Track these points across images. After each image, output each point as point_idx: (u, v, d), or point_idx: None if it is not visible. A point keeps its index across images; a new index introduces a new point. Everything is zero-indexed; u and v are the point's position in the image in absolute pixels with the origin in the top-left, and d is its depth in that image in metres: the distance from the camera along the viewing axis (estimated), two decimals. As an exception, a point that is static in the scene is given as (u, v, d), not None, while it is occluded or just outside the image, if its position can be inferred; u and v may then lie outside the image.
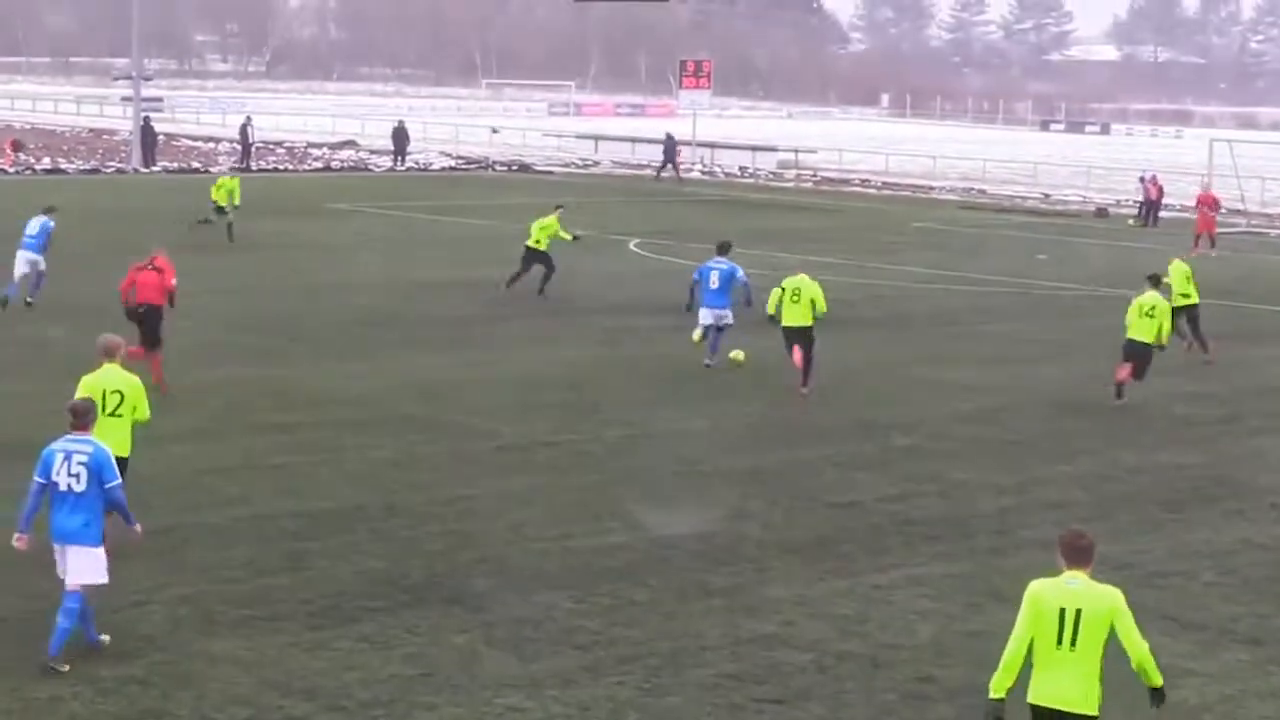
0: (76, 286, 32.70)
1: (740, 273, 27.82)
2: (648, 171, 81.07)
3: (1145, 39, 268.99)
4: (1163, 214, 61.63)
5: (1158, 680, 10.45)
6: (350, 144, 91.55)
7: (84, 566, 13.26)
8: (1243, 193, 63.81)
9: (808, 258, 29.44)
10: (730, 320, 27.42)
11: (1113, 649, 10.30)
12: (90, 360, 16.32)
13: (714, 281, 27.47)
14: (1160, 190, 61.84)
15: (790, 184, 78.18)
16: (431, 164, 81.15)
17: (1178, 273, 30.12)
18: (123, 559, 14.44)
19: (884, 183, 79.12)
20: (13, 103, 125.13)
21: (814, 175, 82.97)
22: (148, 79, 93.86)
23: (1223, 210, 54.14)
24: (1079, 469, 21.37)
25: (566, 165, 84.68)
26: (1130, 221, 60.63)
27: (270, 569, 15.94)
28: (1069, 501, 19.44)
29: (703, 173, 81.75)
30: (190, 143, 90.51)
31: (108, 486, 13.24)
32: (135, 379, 16.08)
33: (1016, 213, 65.18)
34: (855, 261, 43.63)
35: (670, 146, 77.56)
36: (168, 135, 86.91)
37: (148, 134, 72.36)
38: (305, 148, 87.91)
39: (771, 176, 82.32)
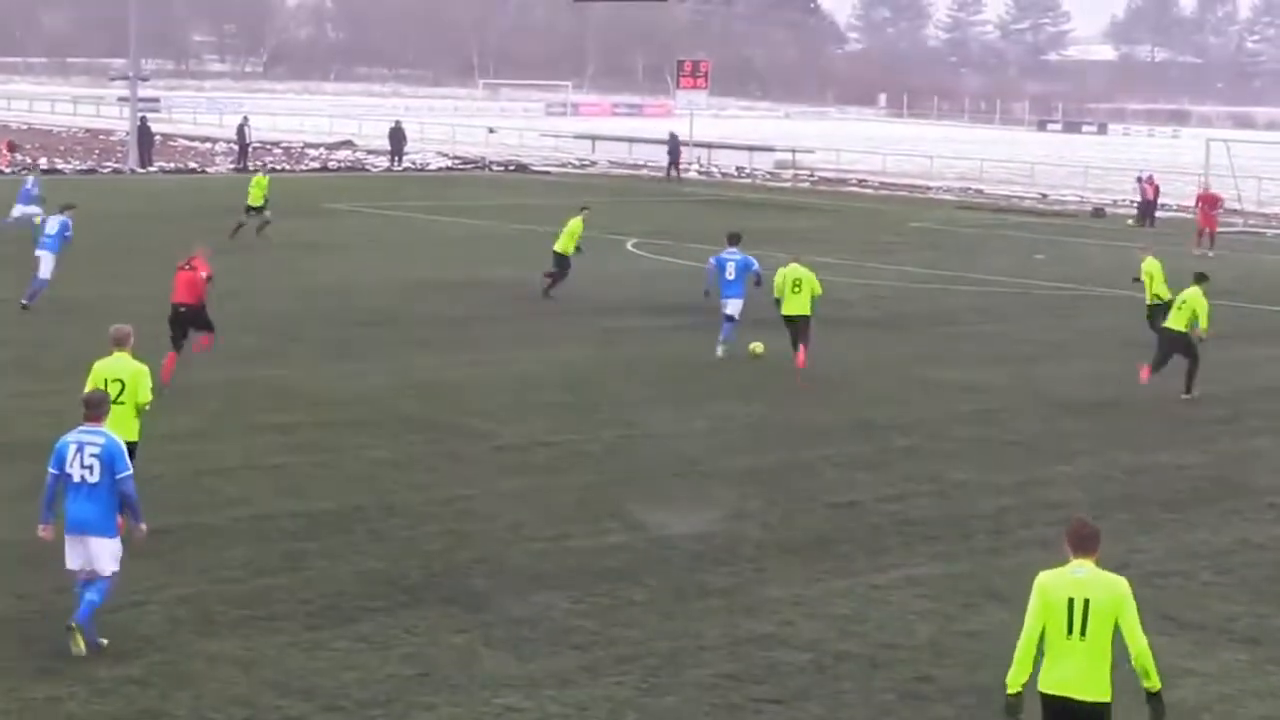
0: (75, 286, 32.67)
1: (755, 264, 29.15)
2: (645, 171, 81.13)
3: (1142, 39, 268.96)
4: (1159, 214, 61.66)
5: (1156, 682, 10.42)
6: (347, 144, 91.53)
7: (103, 555, 13.43)
8: (1239, 192, 63.83)
9: (804, 257, 29.36)
10: (738, 312, 28.47)
11: (1118, 644, 10.31)
12: (86, 359, 16.33)
13: (730, 272, 28.71)
14: (1157, 190, 61.88)
15: (788, 184, 78.20)
16: (428, 164, 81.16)
17: (1151, 270, 30.55)
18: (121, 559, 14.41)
19: (881, 183, 79.16)
20: (9, 103, 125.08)
21: (811, 175, 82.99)
22: (144, 79, 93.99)
23: (1222, 209, 54.05)
24: (1077, 469, 21.38)
25: (563, 165, 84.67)
26: (1129, 222, 60.65)
27: (269, 569, 15.93)
28: (1067, 502, 19.43)
29: (700, 173, 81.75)
30: (187, 143, 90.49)
31: (119, 477, 13.37)
32: (140, 366, 16.33)
33: (1014, 213, 65.21)
34: (853, 261, 43.63)
35: (674, 146, 77.62)
36: (164, 135, 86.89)
37: (144, 134, 72.31)
38: (302, 148, 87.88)
39: (769, 176, 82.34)
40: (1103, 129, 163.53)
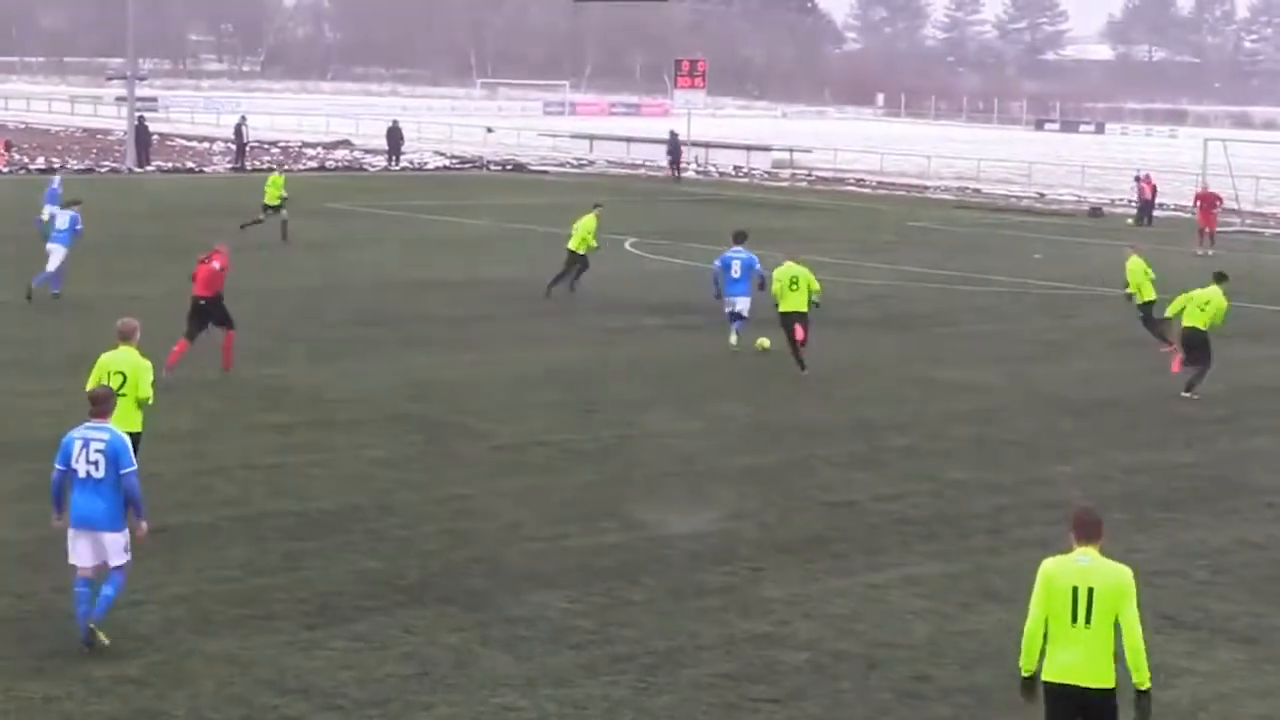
0: (73, 284, 32.66)
1: (758, 264, 29.35)
2: (643, 171, 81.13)
3: (1140, 38, 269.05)
4: (1156, 213, 61.69)
5: (1145, 680, 10.43)
6: (345, 144, 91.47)
7: (114, 547, 13.53)
8: (1237, 192, 63.82)
9: (803, 256, 29.37)
10: (746, 309, 28.92)
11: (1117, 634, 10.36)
12: (84, 357, 16.34)
13: (735, 270, 29.11)
14: (1154, 189, 61.90)
15: (785, 183, 78.21)
16: (426, 164, 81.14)
17: (1135, 269, 31.01)
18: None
19: (879, 182, 79.16)
20: (6, 102, 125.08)
21: (809, 175, 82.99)
22: (142, 79, 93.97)
23: (1220, 207, 54.03)
24: (1075, 468, 21.38)
25: (561, 165, 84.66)
26: (1129, 221, 60.66)
27: (266, 569, 15.93)
28: (1065, 501, 19.37)
29: (698, 172, 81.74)
30: (185, 142, 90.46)
31: (123, 473, 13.45)
32: (142, 361, 16.47)
33: (1011, 212, 65.23)
34: (851, 261, 43.63)
35: (675, 146, 77.63)
36: (162, 135, 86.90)
37: (142, 134, 72.28)
38: (300, 147, 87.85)
39: (766, 176, 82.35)
40: (1100, 128, 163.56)
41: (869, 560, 16.97)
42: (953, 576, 16.47)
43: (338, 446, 21.05)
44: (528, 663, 13.69)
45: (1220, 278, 26.82)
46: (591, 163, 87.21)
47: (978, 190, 76.15)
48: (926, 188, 76.73)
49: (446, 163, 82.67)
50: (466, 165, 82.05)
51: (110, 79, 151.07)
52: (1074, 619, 10.34)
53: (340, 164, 79.42)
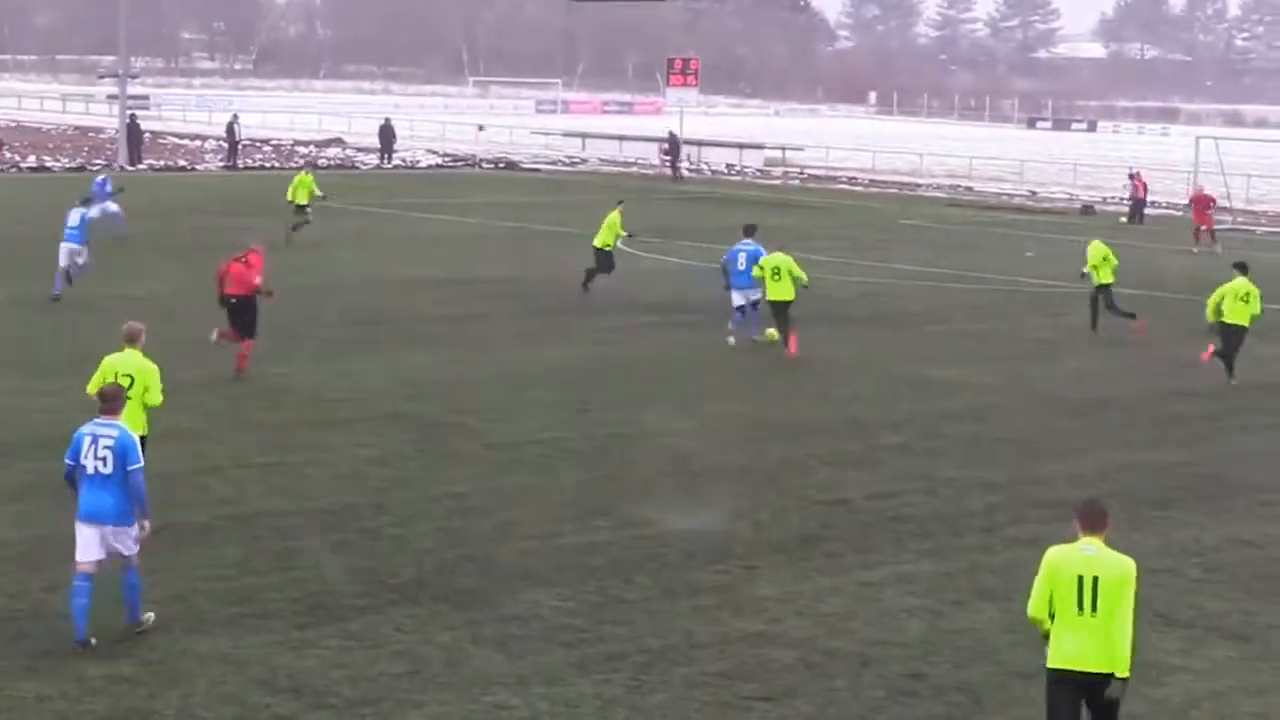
0: (67, 283, 32.63)
1: (764, 254, 29.52)
2: (635, 169, 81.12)
3: (1132, 36, 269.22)
4: (1148, 211, 61.75)
5: (1125, 667, 10.60)
6: (337, 141, 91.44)
7: (124, 540, 13.70)
8: (1229, 190, 63.91)
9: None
10: (758, 297, 29.28)
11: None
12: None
13: (742, 263, 29.41)
14: (1145, 187, 61.95)
15: (778, 181, 78.23)
16: (418, 161, 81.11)
17: (1096, 253, 31.89)
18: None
19: (871, 180, 79.21)
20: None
21: (801, 173, 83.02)
22: (134, 77, 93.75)
23: (1214, 208, 54.09)
24: (1068, 467, 21.38)
25: (553, 163, 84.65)
26: (1122, 219, 60.71)
27: (259, 568, 15.92)
28: (1057, 499, 19.43)
29: (690, 170, 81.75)
30: (177, 140, 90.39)
31: (130, 470, 13.58)
32: (150, 364, 16.53)
33: (1003, 210, 65.28)
34: (843, 259, 43.65)
35: (675, 145, 77.65)
36: (154, 133, 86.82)
37: (134, 132, 72.23)
38: (292, 145, 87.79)
39: (759, 174, 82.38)
40: (1092, 126, 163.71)
41: (862, 558, 16.98)
42: (946, 574, 16.48)
43: (333, 445, 21.04)
44: (520, 661, 13.69)
45: (1242, 268, 27.50)
46: (584, 161, 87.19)
47: (970, 188, 76.20)
48: (919, 186, 76.78)
49: (439, 161, 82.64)
50: (459, 163, 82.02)
51: (102, 77, 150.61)
52: (1079, 608, 10.54)
53: (332, 162, 79.35)
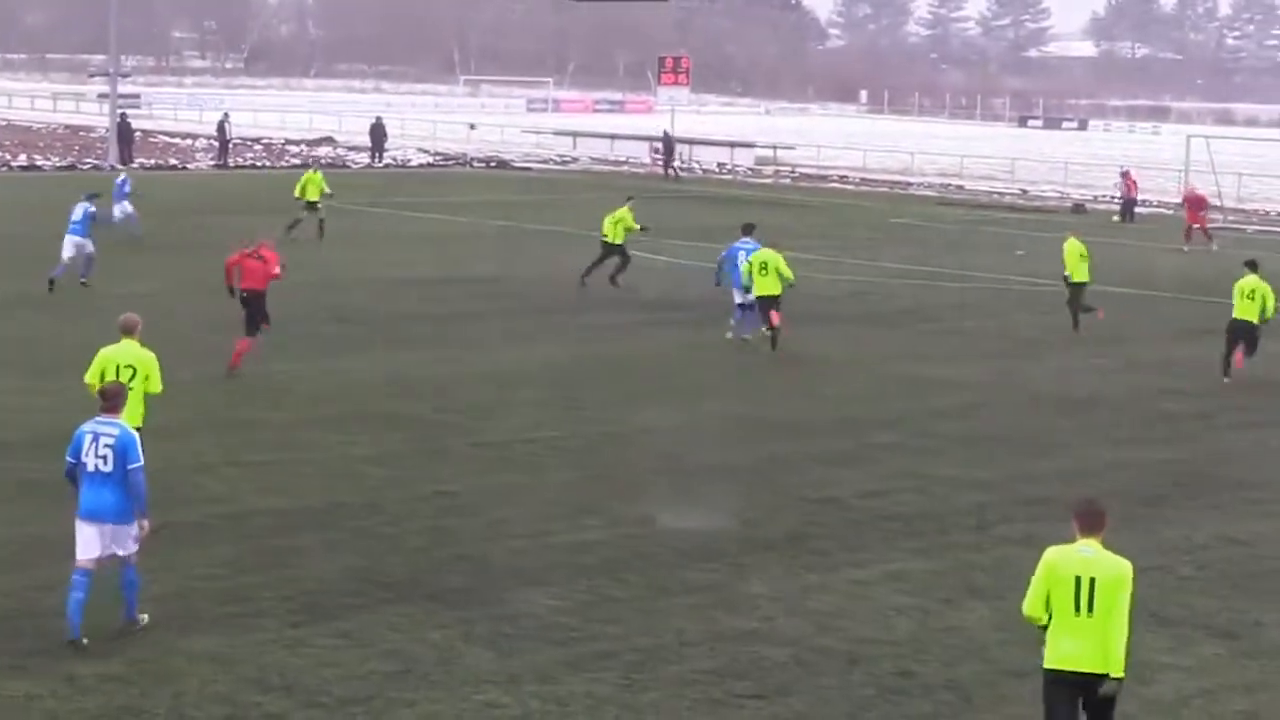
0: (60, 283, 32.60)
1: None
2: (626, 168, 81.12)
3: (1123, 35, 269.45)
4: (1139, 209, 61.82)
5: (1120, 668, 10.65)
6: (328, 140, 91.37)
7: (124, 538, 13.74)
8: (1219, 189, 63.99)
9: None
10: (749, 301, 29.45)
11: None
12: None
13: (741, 261, 29.43)
14: (1134, 185, 62.01)
15: (769, 180, 78.23)
16: (409, 160, 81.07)
17: (1072, 251, 32.22)
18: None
19: (862, 179, 79.22)
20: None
21: (792, 171, 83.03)
22: (125, 75, 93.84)
23: (1207, 209, 54.09)
24: (1057, 464, 21.42)
25: (544, 162, 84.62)
26: (1114, 218, 60.77)
27: (250, 566, 15.92)
28: (1047, 497, 19.47)
29: (681, 169, 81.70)
30: (167, 139, 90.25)
31: (130, 468, 13.64)
32: (148, 354, 16.81)
33: (994, 208, 65.31)
34: (834, 257, 43.68)
35: (669, 145, 77.66)
36: (145, 132, 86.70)
37: (124, 130, 72.07)
38: (283, 144, 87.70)
39: (750, 173, 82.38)
40: (1083, 125, 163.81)
41: (852, 556, 17.00)
42: (936, 573, 16.50)
43: (322, 444, 21.04)
44: (511, 660, 13.70)
45: (1252, 266, 27.89)
46: (575, 160, 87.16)
47: (960, 187, 76.24)
48: (909, 184, 76.82)
49: (430, 160, 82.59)
50: (450, 162, 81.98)
51: (93, 76, 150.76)
52: (1076, 609, 10.59)
53: (323, 161, 79.23)
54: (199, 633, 14.03)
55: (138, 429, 15.13)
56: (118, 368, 16.53)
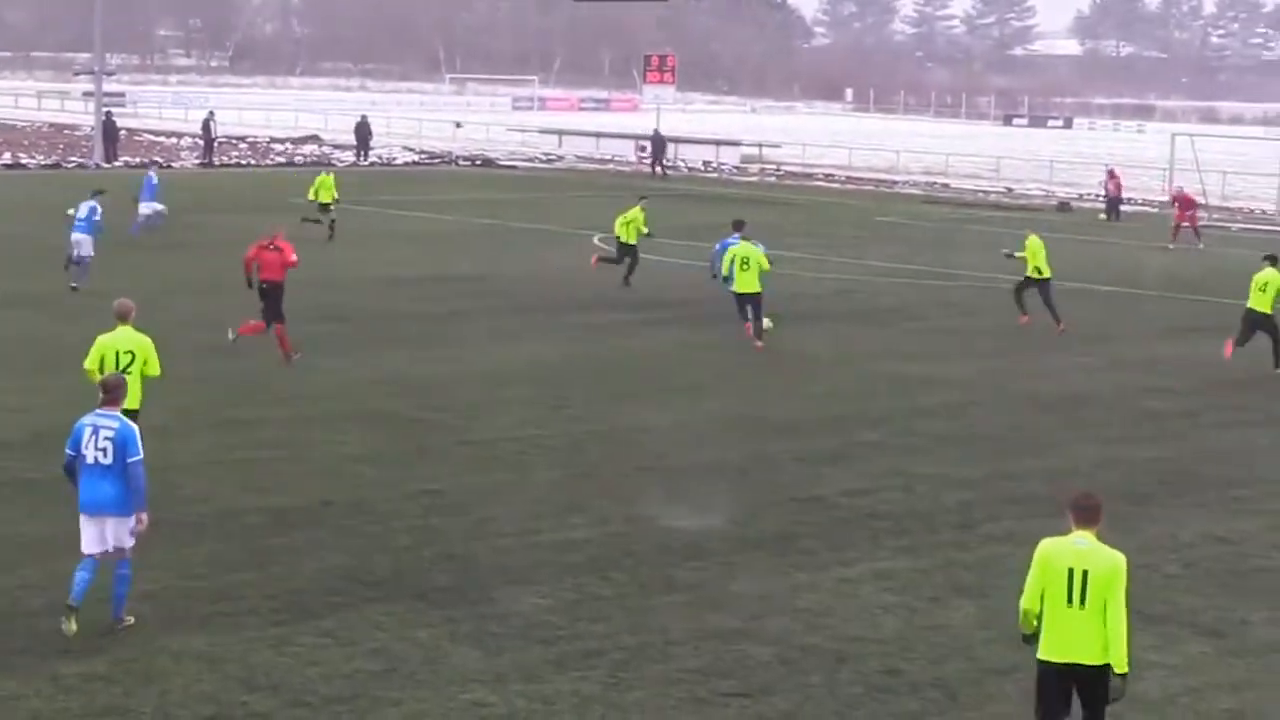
0: (42, 281, 32.55)
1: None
2: (612, 167, 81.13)
3: (1108, 33, 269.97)
4: (1124, 208, 61.92)
5: (1123, 664, 10.68)
6: (313, 139, 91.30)
7: (123, 532, 13.80)
8: (1204, 187, 64.12)
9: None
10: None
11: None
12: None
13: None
14: (1119, 184, 62.10)
15: (754, 178, 78.26)
16: (394, 159, 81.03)
17: (1035, 248, 32.45)
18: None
19: (847, 177, 79.30)
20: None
21: (777, 170, 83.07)
22: (109, 74, 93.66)
23: (1195, 210, 54.13)
24: (1043, 463, 21.43)
25: (530, 160, 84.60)
26: (1101, 216, 60.86)
27: (235, 565, 15.88)
28: (1033, 495, 19.50)
29: (669, 168, 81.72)
30: (153, 138, 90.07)
31: (129, 462, 13.68)
32: (144, 338, 17.15)
33: (980, 207, 65.39)
34: (819, 256, 43.70)
35: (660, 144, 77.65)
36: (130, 130, 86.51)
37: (109, 129, 71.97)
38: (268, 143, 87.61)
39: (735, 171, 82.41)
40: (1068, 123, 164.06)
41: (838, 555, 17.00)
42: (922, 571, 16.51)
43: (309, 442, 21.01)
44: (498, 658, 13.69)
45: (1272, 260, 28.39)
46: (561, 158, 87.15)
47: (946, 185, 76.36)
48: (895, 183, 76.90)
49: (415, 158, 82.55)
50: (435, 160, 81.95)
51: (77, 74, 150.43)
52: (1069, 600, 10.65)
53: (309, 159, 79.20)
54: (185, 631, 14.00)
55: (136, 411, 15.21)
56: (117, 354, 16.74)
